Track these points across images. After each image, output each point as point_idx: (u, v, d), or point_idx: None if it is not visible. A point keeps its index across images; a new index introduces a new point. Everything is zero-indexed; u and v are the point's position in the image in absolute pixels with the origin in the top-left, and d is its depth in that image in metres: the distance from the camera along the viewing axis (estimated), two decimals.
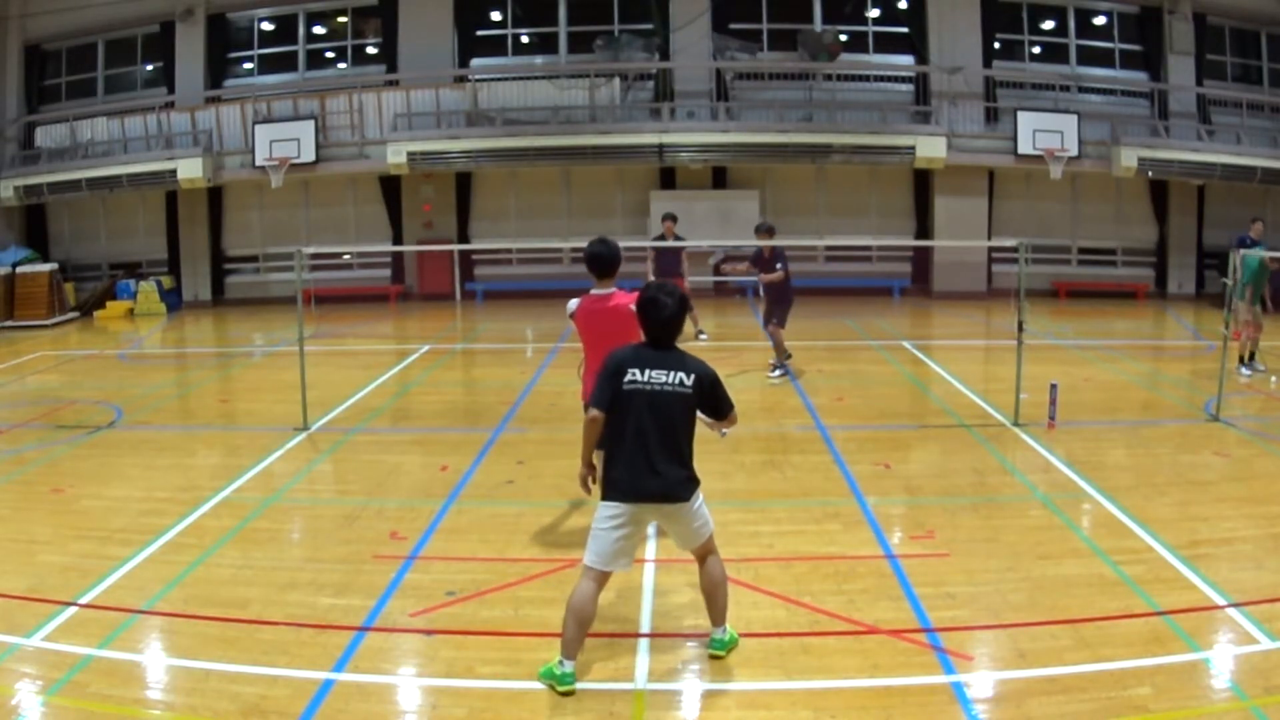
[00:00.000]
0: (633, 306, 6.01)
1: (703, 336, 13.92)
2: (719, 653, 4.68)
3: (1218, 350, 10.10)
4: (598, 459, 4.67)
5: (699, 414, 4.64)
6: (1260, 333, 11.61)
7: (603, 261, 6.01)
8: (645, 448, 4.43)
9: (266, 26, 20.28)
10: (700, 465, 7.86)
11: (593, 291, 6.04)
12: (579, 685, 4.43)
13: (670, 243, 13.18)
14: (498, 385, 11.64)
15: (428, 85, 18.87)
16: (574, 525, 6.51)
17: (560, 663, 4.38)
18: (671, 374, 4.48)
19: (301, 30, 20.09)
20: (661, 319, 4.57)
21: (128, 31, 20.10)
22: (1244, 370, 11.40)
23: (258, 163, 18.42)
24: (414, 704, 4.44)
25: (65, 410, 10.48)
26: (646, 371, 4.48)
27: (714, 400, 4.61)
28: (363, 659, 4.73)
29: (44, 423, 9.93)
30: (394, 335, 16.68)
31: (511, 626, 5.02)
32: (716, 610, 4.72)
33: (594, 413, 4.52)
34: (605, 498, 4.49)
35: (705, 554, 4.68)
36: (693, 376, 4.50)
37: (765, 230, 11.21)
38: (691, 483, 4.55)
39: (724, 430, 4.90)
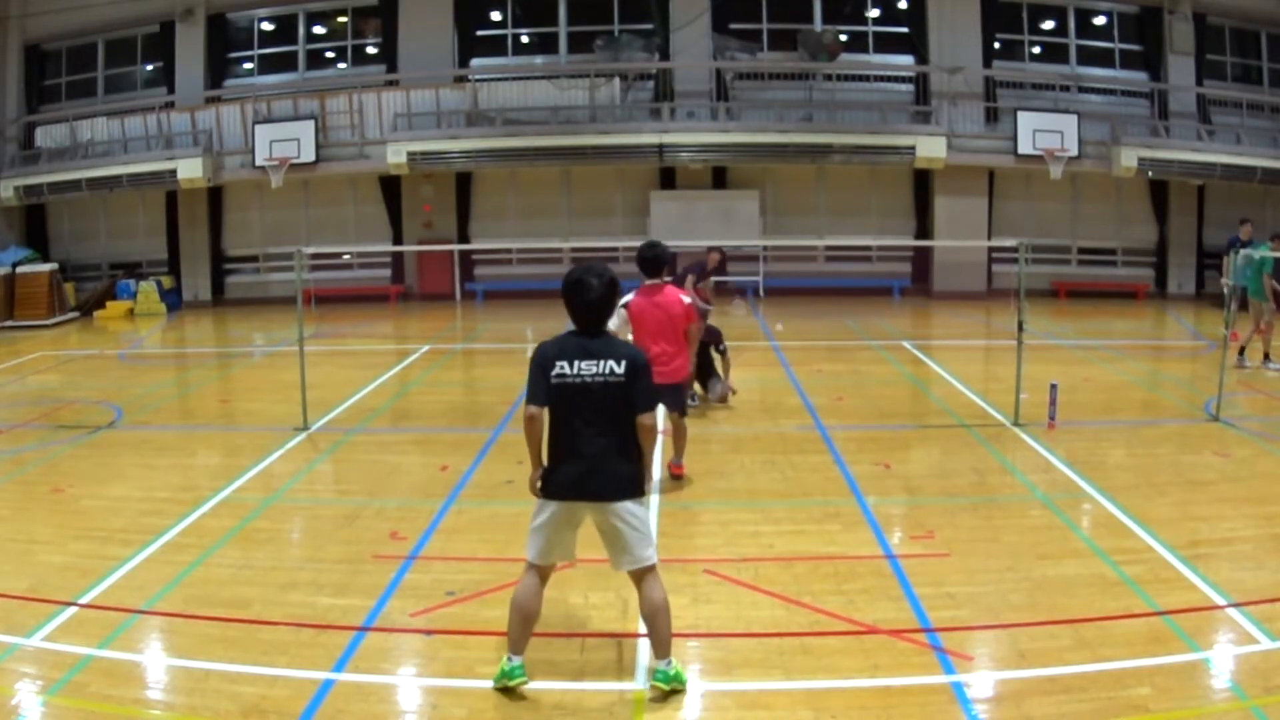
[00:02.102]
0: (683, 296, 6.73)
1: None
2: (662, 685, 4.28)
3: (1218, 350, 10.10)
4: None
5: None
6: (1271, 331, 11.70)
7: (647, 262, 6.97)
8: (579, 444, 4.20)
9: (266, 26, 20.29)
10: (700, 465, 7.86)
11: (645, 283, 6.98)
12: (581, 685, 4.44)
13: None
14: (498, 385, 11.64)
15: (428, 85, 18.88)
16: None
17: (508, 659, 4.34)
18: (601, 363, 4.20)
19: (301, 30, 20.10)
20: (588, 301, 4.26)
21: (128, 31, 20.12)
22: (1272, 365, 11.53)
23: (258, 163, 18.43)
24: (414, 704, 4.44)
25: (65, 410, 10.48)
26: (575, 364, 4.20)
27: (644, 388, 4.28)
28: (363, 659, 4.73)
29: (44, 423, 9.93)
30: (394, 335, 16.69)
31: None
32: (658, 640, 4.34)
33: (531, 410, 4.26)
34: (540, 494, 4.34)
35: (643, 574, 4.36)
36: (624, 363, 4.22)
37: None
38: (634, 482, 4.30)
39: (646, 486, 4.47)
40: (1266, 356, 11.67)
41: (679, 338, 7.05)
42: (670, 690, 4.29)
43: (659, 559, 5.91)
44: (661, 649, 4.33)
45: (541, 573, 4.39)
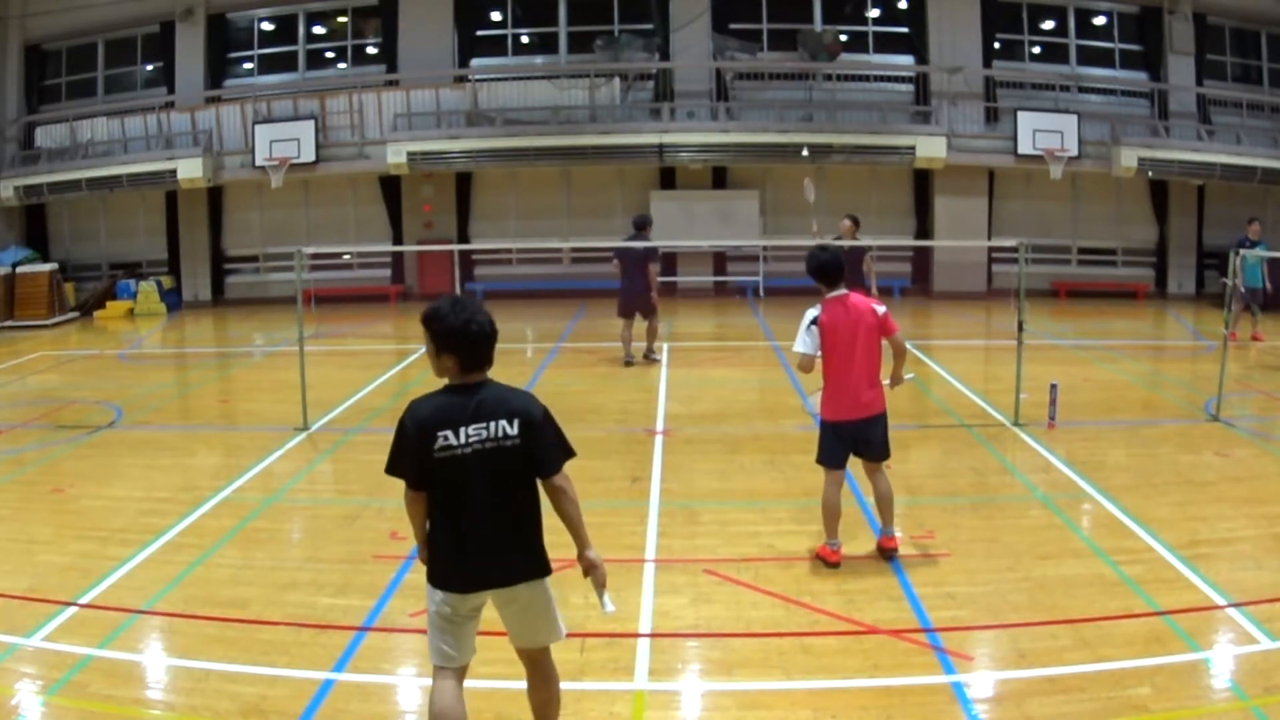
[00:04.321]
0: (875, 305, 5.78)
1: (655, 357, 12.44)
2: None
3: (1218, 350, 10.10)
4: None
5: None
6: None
7: (825, 269, 5.84)
8: (474, 525, 3.48)
9: (266, 26, 20.28)
10: (700, 465, 7.86)
11: (828, 296, 5.84)
12: (578, 685, 4.44)
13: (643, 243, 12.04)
14: None
15: (428, 85, 18.87)
16: None
17: None
18: (492, 425, 3.44)
19: (301, 30, 20.09)
20: (483, 327, 3.46)
21: (128, 31, 20.10)
22: None
23: (258, 163, 18.42)
24: (414, 704, 4.44)
25: (65, 410, 10.48)
26: (461, 431, 3.42)
27: (546, 447, 3.52)
28: (363, 659, 4.74)
29: (44, 423, 9.93)
30: (394, 335, 16.68)
31: None
32: None
33: (410, 492, 3.54)
34: (431, 583, 3.59)
35: (543, 654, 3.75)
36: (516, 421, 3.47)
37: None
38: (540, 558, 3.61)
39: (599, 589, 3.64)
40: None
41: (876, 355, 5.80)
42: None
43: (660, 557, 5.95)
44: None
45: (454, 675, 3.62)
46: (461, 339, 3.44)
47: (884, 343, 5.83)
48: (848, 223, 12.31)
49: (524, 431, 3.48)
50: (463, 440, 3.42)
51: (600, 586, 3.64)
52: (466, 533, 3.49)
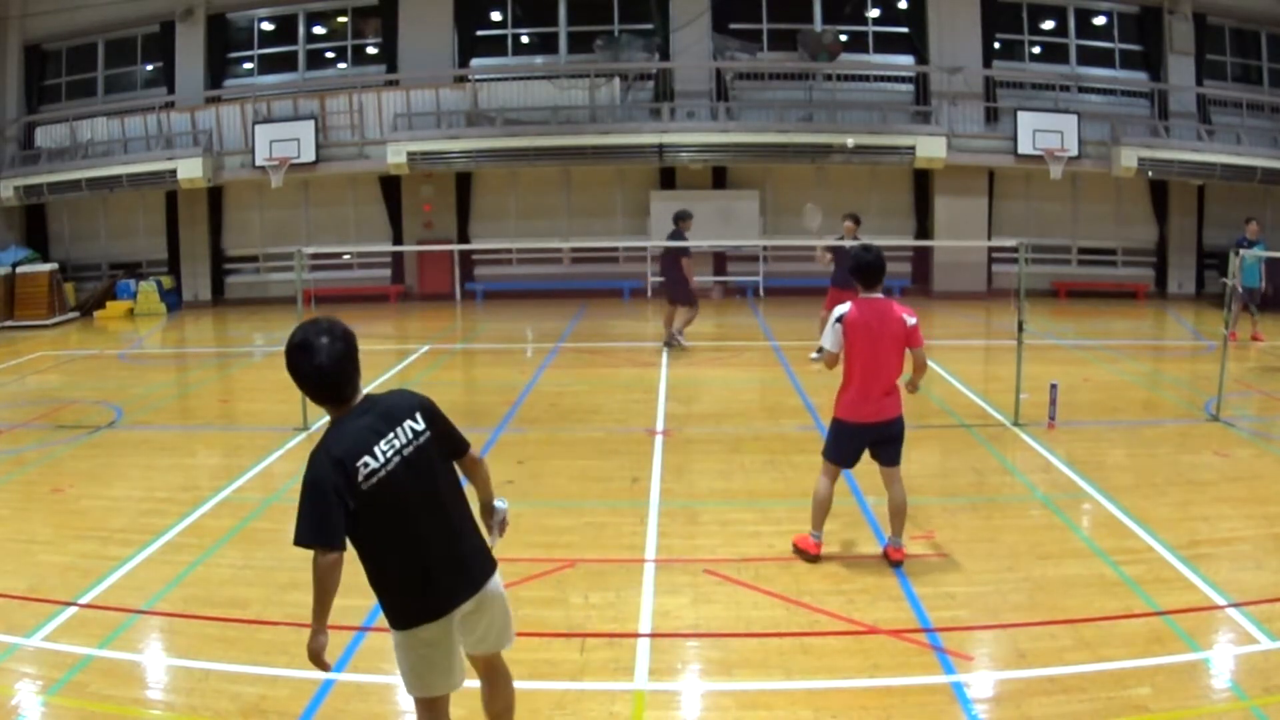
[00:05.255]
0: (906, 316, 5.73)
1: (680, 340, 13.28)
2: None
3: (1218, 350, 10.10)
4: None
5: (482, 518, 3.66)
6: None
7: (867, 269, 5.78)
8: (433, 536, 3.35)
9: (266, 26, 20.28)
10: (700, 465, 7.86)
11: (862, 296, 5.82)
12: (578, 685, 4.43)
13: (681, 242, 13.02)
14: (498, 385, 11.64)
15: (428, 85, 18.87)
16: (574, 525, 6.51)
17: None
18: (400, 430, 3.31)
19: (301, 30, 20.09)
20: (319, 365, 3.27)
21: (128, 31, 20.10)
22: None
23: (258, 163, 18.42)
24: (413, 704, 4.43)
25: (65, 410, 10.48)
26: (377, 451, 3.23)
27: (448, 426, 3.50)
28: (363, 659, 4.74)
29: (44, 423, 9.93)
30: (394, 335, 16.67)
31: None
32: None
33: (332, 556, 3.17)
34: (409, 625, 3.37)
35: (499, 658, 3.68)
36: (419, 415, 3.40)
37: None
38: (489, 553, 3.56)
39: (495, 535, 3.73)
40: None
41: (897, 364, 5.79)
42: None
43: (660, 557, 5.95)
44: None
45: (443, 704, 3.54)
46: (295, 375, 3.33)
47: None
48: (849, 223, 12.60)
49: (429, 421, 3.41)
50: (382, 459, 3.23)
51: (501, 527, 3.73)
52: (425, 553, 3.32)
